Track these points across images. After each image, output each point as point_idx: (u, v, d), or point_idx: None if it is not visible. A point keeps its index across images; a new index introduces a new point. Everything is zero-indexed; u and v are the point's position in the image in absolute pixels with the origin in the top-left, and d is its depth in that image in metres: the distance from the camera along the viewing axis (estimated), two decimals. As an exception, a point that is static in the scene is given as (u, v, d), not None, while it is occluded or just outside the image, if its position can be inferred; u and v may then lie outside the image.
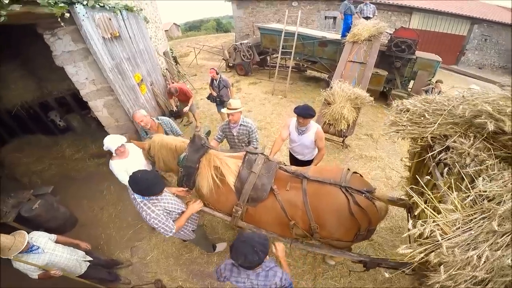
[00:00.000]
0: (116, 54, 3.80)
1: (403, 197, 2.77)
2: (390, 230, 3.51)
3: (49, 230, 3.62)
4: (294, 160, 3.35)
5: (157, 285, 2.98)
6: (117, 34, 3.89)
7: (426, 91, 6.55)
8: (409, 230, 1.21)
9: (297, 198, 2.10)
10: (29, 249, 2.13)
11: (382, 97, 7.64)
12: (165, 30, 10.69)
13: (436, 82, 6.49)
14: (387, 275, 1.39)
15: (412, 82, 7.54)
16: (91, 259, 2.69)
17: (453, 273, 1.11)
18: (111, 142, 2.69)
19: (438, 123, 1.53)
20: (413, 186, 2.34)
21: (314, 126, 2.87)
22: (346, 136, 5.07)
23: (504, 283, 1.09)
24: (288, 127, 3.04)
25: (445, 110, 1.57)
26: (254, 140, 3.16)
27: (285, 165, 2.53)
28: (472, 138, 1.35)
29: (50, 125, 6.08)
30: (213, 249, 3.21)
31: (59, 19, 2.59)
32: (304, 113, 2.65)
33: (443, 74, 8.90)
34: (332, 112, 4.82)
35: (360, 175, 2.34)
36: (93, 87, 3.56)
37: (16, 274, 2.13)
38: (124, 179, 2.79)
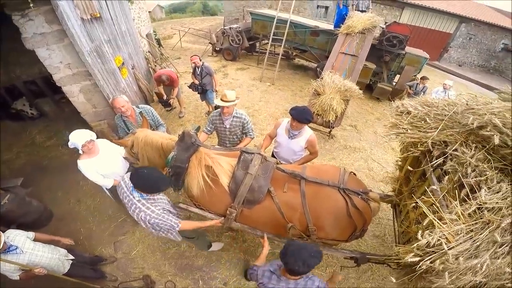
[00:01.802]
0: (96, 36, 3.49)
1: (390, 193, 2.90)
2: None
3: (23, 226, 3.39)
4: None
5: (146, 280, 2.91)
6: (98, 15, 3.56)
7: (411, 86, 6.76)
8: (418, 239, 1.25)
9: (295, 200, 2.06)
10: (7, 249, 1.97)
11: (368, 89, 7.76)
12: (148, 12, 10.00)
13: (421, 78, 6.60)
14: (394, 280, 1.45)
15: (398, 76, 7.71)
16: (73, 257, 2.54)
17: (455, 278, 1.18)
18: (76, 137, 2.32)
19: (439, 129, 1.54)
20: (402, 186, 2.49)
21: (307, 132, 2.66)
22: (333, 127, 5.15)
23: (497, 286, 1.20)
24: (277, 128, 2.81)
25: (445, 115, 1.58)
26: (250, 131, 3.06)
27: (281, 164, 2.49)
28: (473, 148, 1.39)
29: (20, 112, 5.54)
30: (208, 248, 3.06)
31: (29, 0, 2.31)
32: (301, 117, 2.39)
33: (426, 69, 9.21)
34: (321, 103, 4.82)
35: (354, 173, 2.35)
36: (69, 71, 3.24)
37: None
38: (97, 179, 2.59)
